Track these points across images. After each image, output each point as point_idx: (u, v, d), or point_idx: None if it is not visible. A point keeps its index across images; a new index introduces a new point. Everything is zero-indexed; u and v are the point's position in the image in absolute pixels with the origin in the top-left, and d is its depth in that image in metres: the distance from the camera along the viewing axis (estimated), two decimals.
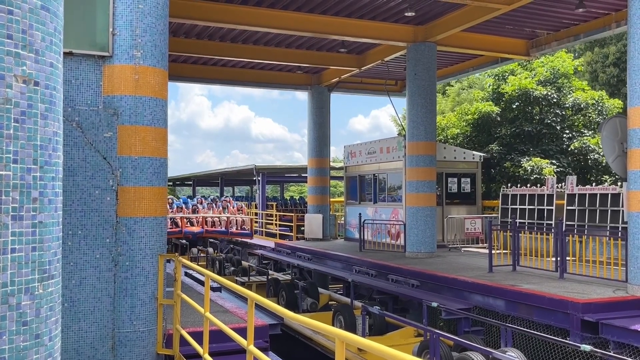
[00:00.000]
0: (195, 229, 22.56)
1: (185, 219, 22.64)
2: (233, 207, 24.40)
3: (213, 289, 10.48)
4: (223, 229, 22.97)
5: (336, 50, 18.92)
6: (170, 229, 21.61)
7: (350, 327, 10.43)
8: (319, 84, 21.99)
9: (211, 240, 23.74)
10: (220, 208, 24.08)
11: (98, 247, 7.63)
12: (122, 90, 7.83)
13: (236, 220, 23.27)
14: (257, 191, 30.82)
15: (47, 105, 2.72)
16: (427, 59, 15.72)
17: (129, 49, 7.84)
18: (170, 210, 22.86)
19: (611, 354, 7.59)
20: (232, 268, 18.53)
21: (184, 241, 23.65)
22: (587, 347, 7.26)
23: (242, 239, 23.04)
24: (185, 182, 51.59)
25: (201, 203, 24.68)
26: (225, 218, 23.33)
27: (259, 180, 29.96)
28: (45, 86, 2.71)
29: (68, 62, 7.67)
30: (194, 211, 23.75)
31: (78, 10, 7.72)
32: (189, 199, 26.20)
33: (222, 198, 27.39)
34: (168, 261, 12.20)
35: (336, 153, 70.58)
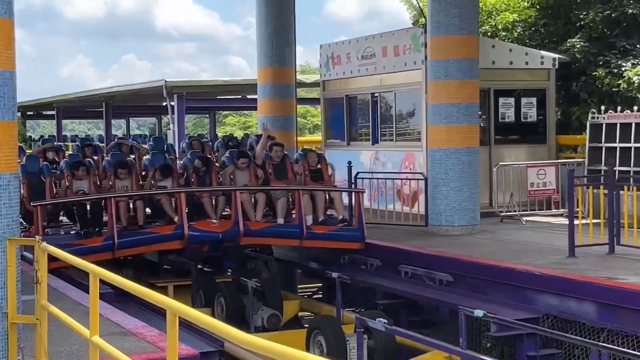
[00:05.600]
0: (217, 226, 10.50)
1: (185, 200, 10.53)
2: (296, 163, 11.96)
3: (103, 297, 8.05)
4: (280, 221, 10.91)
5: None
6: (151, 230, 10.48)
7: (338, 354, 8.59)
8: None
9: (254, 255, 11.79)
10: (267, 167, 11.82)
11: None
12: None
13: (312, 196, 11.26)
14: (171, 126, 23.90)
15: None
16: None
17: None
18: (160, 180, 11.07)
19: None
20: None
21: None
22: None
23: (344, 248, 11.27)
24: (44, 113, 37.06)
25: (217, 152, 13.22)
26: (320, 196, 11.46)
27: (172, 107, 22.69)
28: None
29: None
30: (219, 180, 11.29)
31: None
32: (185, 141, 14.05)
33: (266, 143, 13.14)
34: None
35: (306, 57, 62.07)
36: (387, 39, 15.15)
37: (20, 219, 11.46)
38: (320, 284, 12.59)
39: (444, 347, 7.91)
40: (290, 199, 11.18)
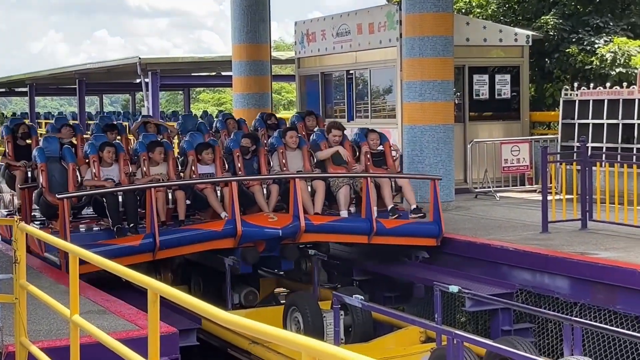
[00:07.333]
0: (276, 222, 9.03)
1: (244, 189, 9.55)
2: (356, 145, 10.97)
3: (84, 276, 7.65)
4: (343, 214, 9.53)
5: None
6: (201, 226, 9.05)
7: (315, 330, 8.28)
8: None
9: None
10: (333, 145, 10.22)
11: None
12: None
13: (376, 185, 9.82)
14: (144, 103, 23.36)
15: None
16: None
17: None
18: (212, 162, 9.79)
19: None
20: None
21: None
22: None
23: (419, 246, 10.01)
24: (15, 90, 37.18)
25: (256, 131, 11.61)
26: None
27: (146, 84, 22.04)
28: None
29: None
30: (269, 166, 10.37)
31: None
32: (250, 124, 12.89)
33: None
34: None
35: (280, 33, 61.96)
36: (362, 16, 14.93)
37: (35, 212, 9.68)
38: None
39: (419, 323, 7.91)
40: (352, 188, 9.74)
